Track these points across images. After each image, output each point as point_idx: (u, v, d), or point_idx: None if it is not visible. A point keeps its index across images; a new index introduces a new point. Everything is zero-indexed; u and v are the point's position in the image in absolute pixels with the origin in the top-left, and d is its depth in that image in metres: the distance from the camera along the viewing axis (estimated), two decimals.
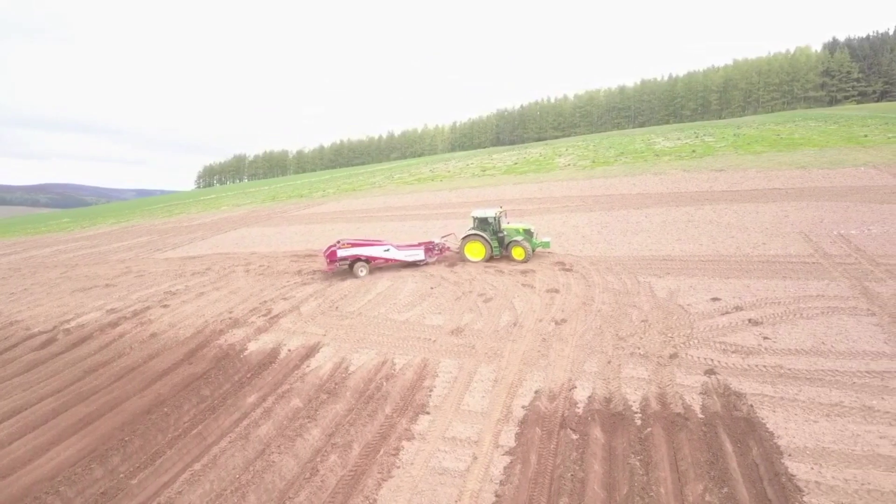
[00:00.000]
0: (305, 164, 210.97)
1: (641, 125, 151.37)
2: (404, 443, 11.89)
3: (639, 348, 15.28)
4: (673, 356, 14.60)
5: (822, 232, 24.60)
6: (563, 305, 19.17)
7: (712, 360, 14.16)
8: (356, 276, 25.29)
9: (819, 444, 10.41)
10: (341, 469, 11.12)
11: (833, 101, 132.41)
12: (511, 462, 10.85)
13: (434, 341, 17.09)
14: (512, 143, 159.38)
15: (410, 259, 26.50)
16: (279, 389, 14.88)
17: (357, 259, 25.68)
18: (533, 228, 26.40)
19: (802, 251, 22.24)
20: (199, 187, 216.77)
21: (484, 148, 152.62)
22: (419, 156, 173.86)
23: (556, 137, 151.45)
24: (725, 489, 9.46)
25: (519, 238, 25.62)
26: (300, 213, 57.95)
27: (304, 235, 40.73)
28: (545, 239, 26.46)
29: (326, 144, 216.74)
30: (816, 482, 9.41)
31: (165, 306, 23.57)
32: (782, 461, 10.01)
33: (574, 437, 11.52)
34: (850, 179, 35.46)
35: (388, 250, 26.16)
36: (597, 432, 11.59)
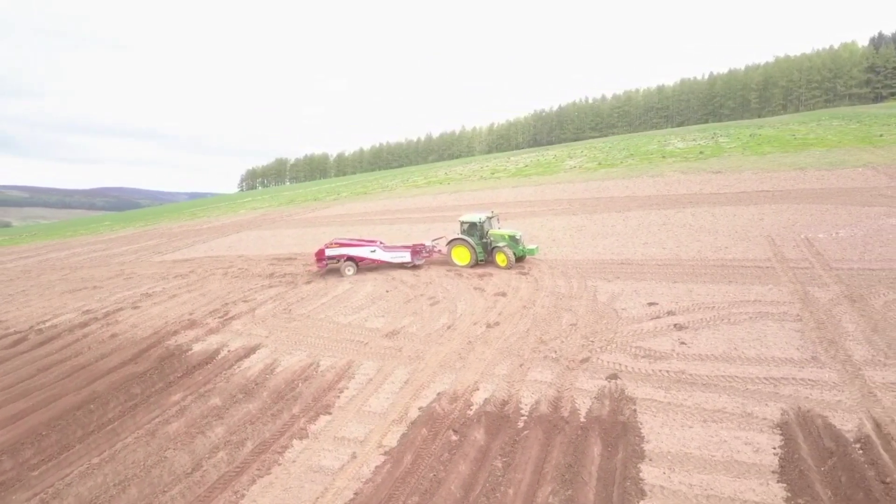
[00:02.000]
0: (346, 167, 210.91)
1: (680, 125, 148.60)
2: (294, 441, 12.30)
3: (555, 352, 15.41)
4: (585, 360, 14.70)
5: (789, 235, 24.19)
6: (503, 309, 19.37)
7: (621, 364, 14.22)
8: (343, 275, 26.05)
9: (683, 449, 10.47)
10: (226, 466, 11.58)
11: (878, 98, 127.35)
12: (384, 462, 11.16)
13: (366, 343, 17.48)
14: (550, 142, 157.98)
15: (396, 260, 26.75)
16: (203, 388, 15.45)
17: (346, 258, 26.23)
18: (519, 234, 25.47)
19: (761, 255, 21.96)
20: (241, 190, 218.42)
21: (520, 149, 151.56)
22: (456, 157, 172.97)
23: (594, 137, 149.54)
24: (570, 491, 9.61)
25: (502, 244, 25.16)
26: (305, 216, 59.00)
27: (295, 238, 41.55)
28: (532, 246, 25.47)
29: (366, 147, 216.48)
30: (662, 486, 9.50)
31: (136, 307, 24.49)
32: (639, 465, 10.12)
33: (454, 438, 11.76)
34: (843, 181, 34.63)
35: (374, 251, 26.55)
36: (478, 434, 11.81)
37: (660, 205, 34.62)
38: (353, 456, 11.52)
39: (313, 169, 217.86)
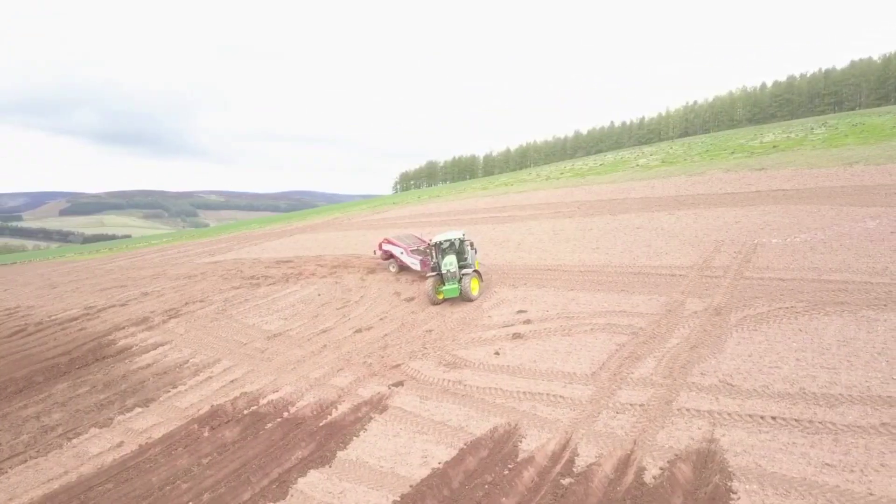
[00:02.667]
0: (493, 167, 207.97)
1: (851, 110, 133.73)
2: (92, 429, 13.98)
3: (382, 357, 15.93)
4: (395, 366, 15.11)
5: (741, 240, 22.31)
6: (391, 313, 19.98)
7: (419, 372, 14.50)
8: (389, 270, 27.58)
9: (362, 456, 10.84)
10: (22, 447, 13.46)
11: None
12: (136, 450, 12.47)
13: (245, 344, 18.91)
14: (706, 132, 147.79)
15: (413, 267, 26.86)
16: (86, 378, 17.64)
17: (389, 256, 27.91)
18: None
19: (688, 262, 20.59)
20: (395, 192, 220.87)
21: (668, 140, 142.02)
22: (600, 152, 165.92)
23: (754, 125, 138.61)
24: (244, 476, 10.33)
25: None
26: (362, 219, 61.66)
27: (325, 242, 43.85)
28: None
29: (513, 147, 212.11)
30: (302, 491, 9.95)
31: (123, 305, 27.75)
32: (311, 471, 10.59)
33: (205, 434, 12.81)
34: (877, 177, 30.66)
35: (402, 253, 27.25)
36: (231, 431, 12.79)
37: (658, 207, 32.79)
38: (120, 444, 12.91)
39: (462, 170, 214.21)
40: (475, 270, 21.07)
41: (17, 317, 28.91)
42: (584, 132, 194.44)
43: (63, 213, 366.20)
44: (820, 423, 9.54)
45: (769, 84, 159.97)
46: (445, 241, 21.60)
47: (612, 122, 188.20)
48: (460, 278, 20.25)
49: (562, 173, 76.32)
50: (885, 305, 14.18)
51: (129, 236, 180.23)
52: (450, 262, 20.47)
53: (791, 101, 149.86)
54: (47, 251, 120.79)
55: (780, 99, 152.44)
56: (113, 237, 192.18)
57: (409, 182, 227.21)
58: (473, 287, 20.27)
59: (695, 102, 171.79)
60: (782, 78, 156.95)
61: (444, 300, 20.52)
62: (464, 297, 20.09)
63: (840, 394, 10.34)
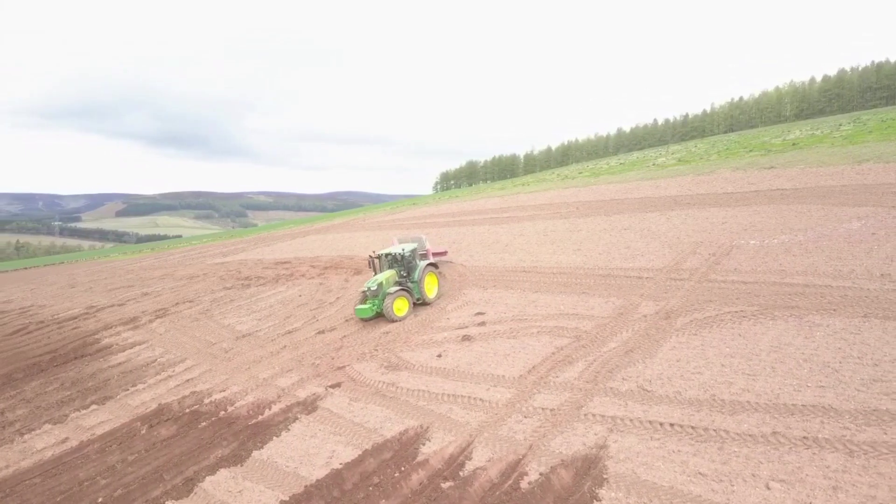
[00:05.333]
0: (534, 165, 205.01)
1: None
2: (46, 426, 14.59)
3: (332, 359, 16.21)
4: (340, 368, 15.36)
5: (719, 242, 21.85)
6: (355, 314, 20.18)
7: (359, 374, 14.72)
8: None
9: (272, 456, 11.08)
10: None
11: None
12: (76, 446, 13.00)
13: (214, 344, 19.42)
14: (752, 128, 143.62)
15: None
16: (61, 375, 18.39)
17: None
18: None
19: (659, 265, 20.30)
20: (435, 191, 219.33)
21: (715, 135, 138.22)
22: (642, 149, 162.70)
23: (799, 120, 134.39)
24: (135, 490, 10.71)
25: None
26: (376, 220, 62.28)
27: (331, 243, 44.46)
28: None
29: (554, 146, 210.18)
30: (205, 489, 10.25)
31: (122, 305, 28.74)
32: (223, 469, 10.90)
33: (143, 431, 13.27)
34: (881, 175, 29.54)
35: None
36: (167, 430, 13.22)
37: (653, 207, 32.26)
38: (64, 440, 13.47)
39: (503, 169, 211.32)
40: (404, 289, 19.49)
41: (26, 315, 30.24)
42: (627, 130, 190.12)
43: (119, 214, 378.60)
44: (714, 430, 9.38)
45: (818, 79, 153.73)
46: (389, 254, 20.84)
47: (654, 120, 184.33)
48: (383, 297, 18.99)
49: (580, 173, 75.72)
50: (834, 310, 13.78)
51: (179, 236, 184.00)
52: (373, 281, 19.15)
53: (841, 96, 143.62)
54: (95, 251, 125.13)
55: (830, 94, 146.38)
56: (165, 237, 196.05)
57: (450, 182, 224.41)
58: (397, 308, 18.90)
59: (740, 98, 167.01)
60: (832, 72, 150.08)
61: (367, 319, 19.21)
62: (387, 318, 18.88)
63: (747, 401, 10.13)
